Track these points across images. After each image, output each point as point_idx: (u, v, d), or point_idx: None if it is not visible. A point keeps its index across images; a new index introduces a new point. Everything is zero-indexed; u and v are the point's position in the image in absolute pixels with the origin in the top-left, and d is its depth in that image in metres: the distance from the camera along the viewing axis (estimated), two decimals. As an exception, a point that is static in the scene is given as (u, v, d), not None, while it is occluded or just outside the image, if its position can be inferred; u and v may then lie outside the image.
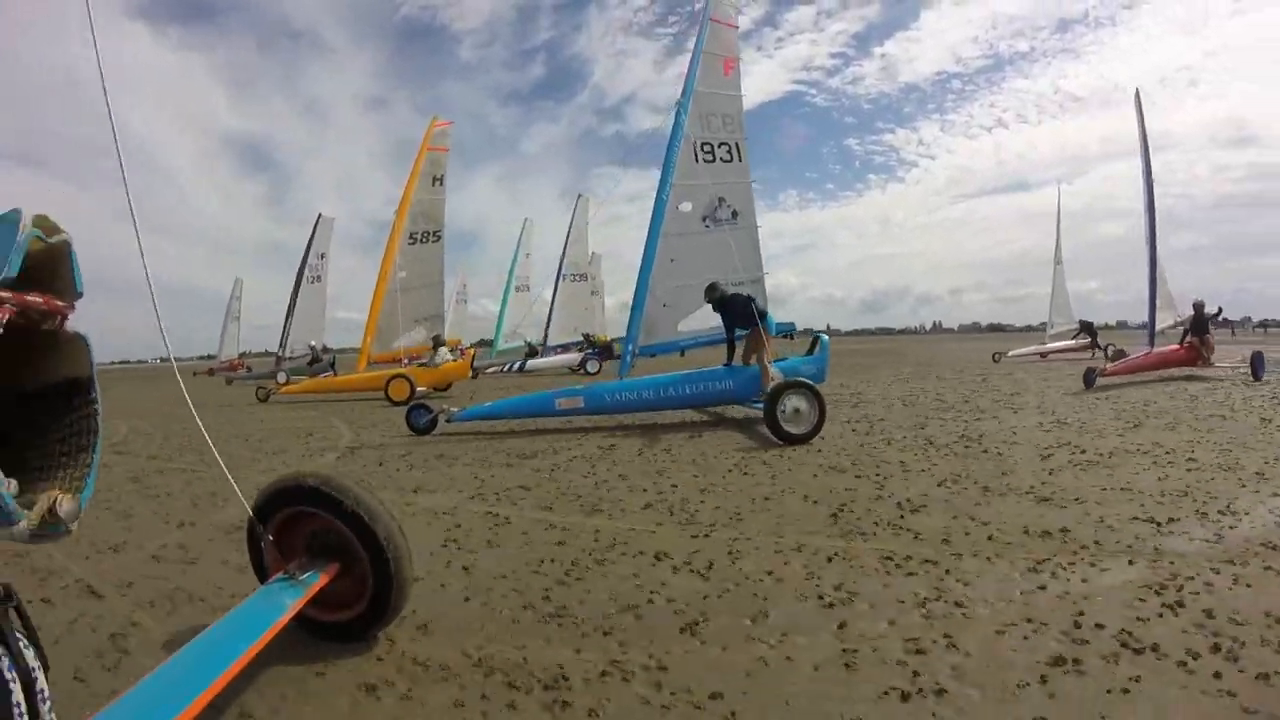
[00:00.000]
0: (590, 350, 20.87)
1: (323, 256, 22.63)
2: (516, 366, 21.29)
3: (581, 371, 18.63)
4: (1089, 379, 9.97)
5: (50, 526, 1.08)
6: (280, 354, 21.98)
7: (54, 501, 1.08)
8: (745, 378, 7.27)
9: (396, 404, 11.21)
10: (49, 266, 1.11)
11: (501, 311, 25.76)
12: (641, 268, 7.55)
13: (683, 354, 7.85)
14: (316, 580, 2.03)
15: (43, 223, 1.08)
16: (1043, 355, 19.71)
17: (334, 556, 2.13)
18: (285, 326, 22.23)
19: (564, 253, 22.54)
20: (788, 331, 8.19)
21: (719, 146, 8.34)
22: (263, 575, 2.20)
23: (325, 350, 22.03)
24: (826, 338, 7.70)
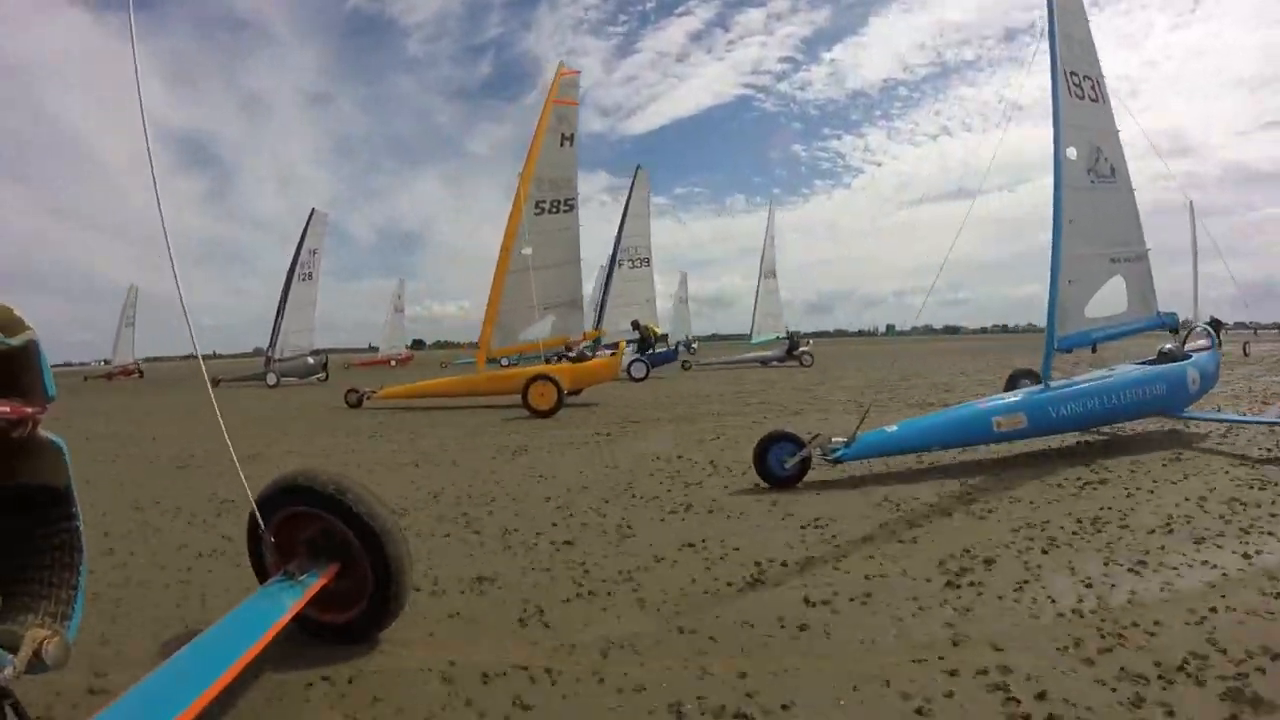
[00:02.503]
0: (638, 347, 17.52)
1: (314, 253, 21.35)
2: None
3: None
4: None
5: (36, 668, 1.05)
6: (270, 354, 20.57)
7: (39, 644, 1.04)
8: (1178, 381, 5.55)
9: (539, 414, 8.93)
10: (14, 369, 1.02)
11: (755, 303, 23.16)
12: (1054, 230, 5.60)
13: (1094, 349, 6.02)
14: (316, 580, 2.01)
15: (4, 319, 0.99)
16: None
17: (334, 556, 2.10)
18: (276, 325, 20.73)
19: (619, 234, 20.10)
20: (1170, 324, 6.43)
21: (1084, 80, 6.54)
22: (263, 575, 2.17)
23: (316, 353, 21.21)
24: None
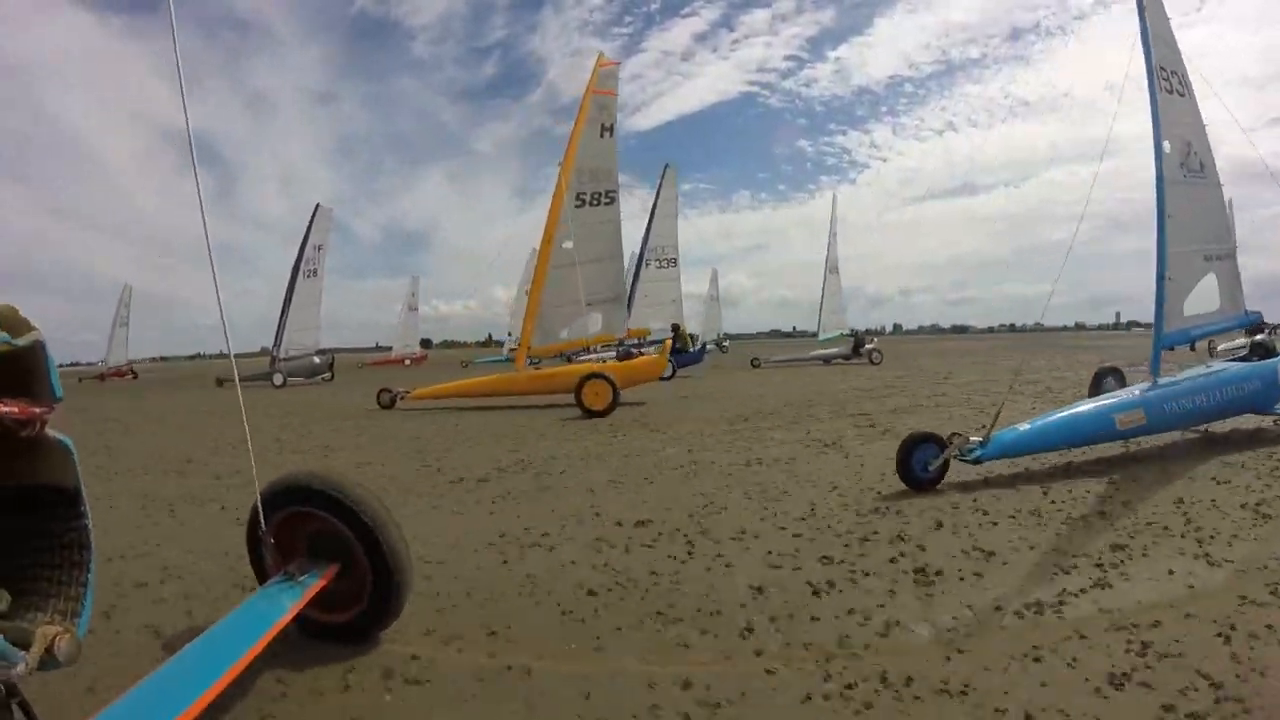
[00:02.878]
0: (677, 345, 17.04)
1: (319, 249, 20.68)
2: None
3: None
4: None
5: (48, 664, 1.07)
6: (275, 353, 19.77)
7: (51, 641, 1.06)
8: (1271, 377, 5.43)
9: (594, 414, 8.70)
10: (21, 369, 1.02)
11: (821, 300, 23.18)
12: (1158, 226, 5.38)
13: (1193, 347, 5.85)
14: (316, 581, 2.01)
15: (10, 319, 1.00)
16: None
17: (334, 557, 2.10)
18: (280, 323, 19.95)
19: (647, 233, 19.91)
20: (1254, 323, 6.21)
21: (1172, 75, 6.31)
22: (262, 575, 2.17)
23: (322, 352, 20.69)
24: None
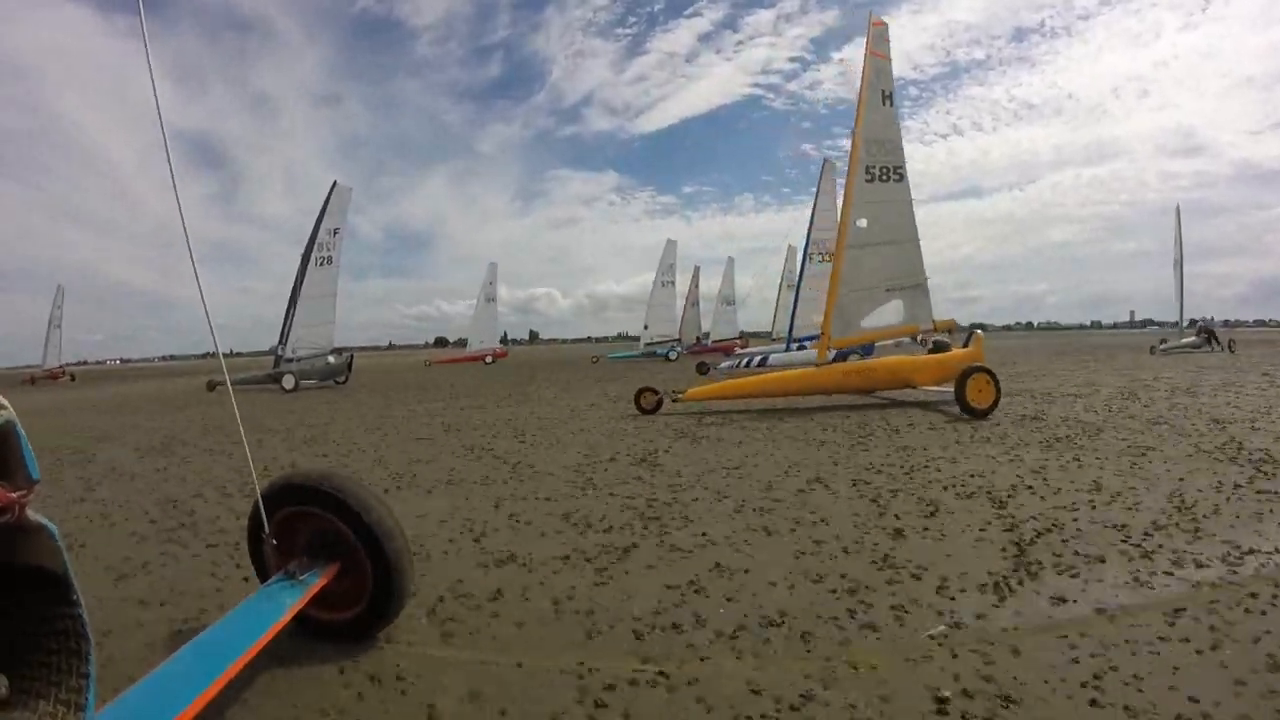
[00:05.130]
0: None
1: (335, 232, 17.83)
2: (757, 361, 17.72)
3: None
4: None
5: None
6: (280, 351, 17.23)
7: None
8: None
9: (979, 414, 7.38)
10: None
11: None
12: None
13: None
14: (316, 580, 2.01)
15: None
16: None
17: (334, 556, 2.10)
18: (287, 318, 17.23)
19: (810, 229, 18.88)
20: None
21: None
22: (263, 575, 2.17)
23: (338, 351, 18.34)
24: None
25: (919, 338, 18.90)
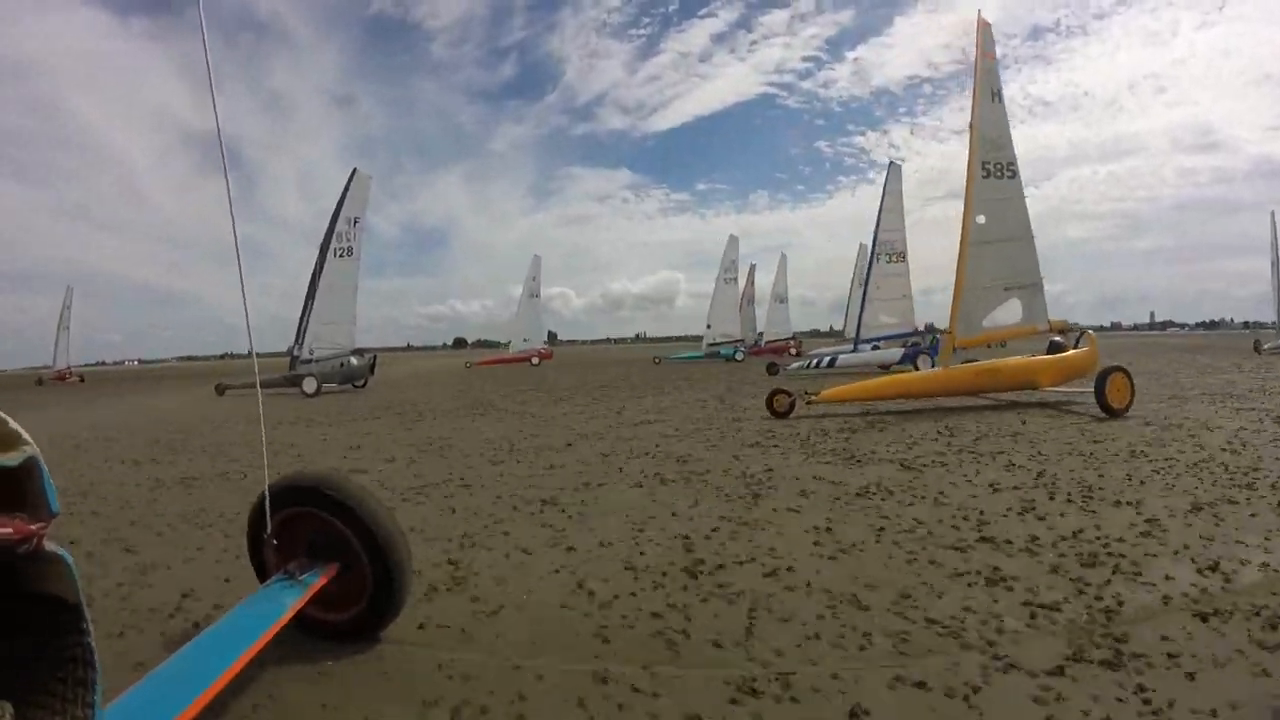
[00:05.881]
0: (920, 344, 17.46)
1: (355, 222, 16.63)
2: (827, 362, 17.57)
3: (894, 368, 15.79)
4: None
5: None
6: (296, 350, 16.04)
7: None
8: None
9: (1116, 414, 7.30)
10: (14, 486, 0.97)
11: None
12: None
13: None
14: (316, 580, 2.02)
15: (2, 435, 0.95)
16: None
17: (334, 556, 2.11)
18: (304, 314, 16.03)
19: (877, 228, 18.76)
20: None
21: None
22: (263, 575, 2.18)
23: (360, 352, 16.99)
24: None
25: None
